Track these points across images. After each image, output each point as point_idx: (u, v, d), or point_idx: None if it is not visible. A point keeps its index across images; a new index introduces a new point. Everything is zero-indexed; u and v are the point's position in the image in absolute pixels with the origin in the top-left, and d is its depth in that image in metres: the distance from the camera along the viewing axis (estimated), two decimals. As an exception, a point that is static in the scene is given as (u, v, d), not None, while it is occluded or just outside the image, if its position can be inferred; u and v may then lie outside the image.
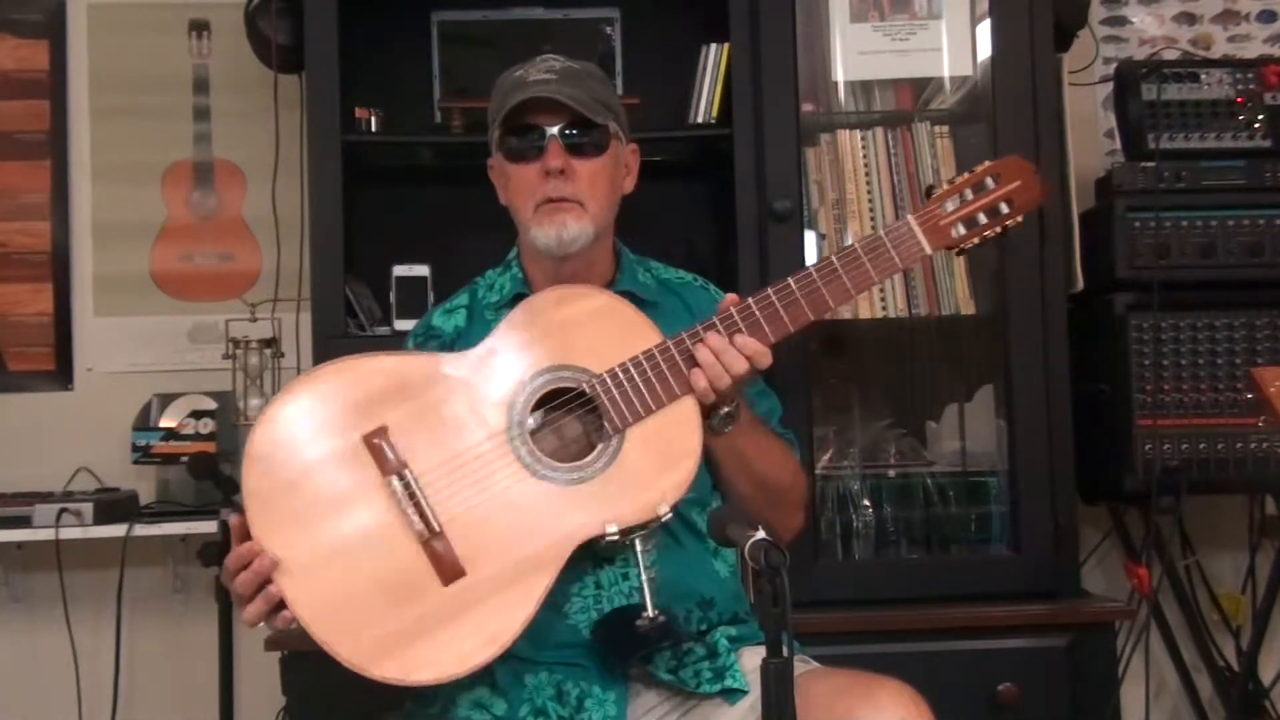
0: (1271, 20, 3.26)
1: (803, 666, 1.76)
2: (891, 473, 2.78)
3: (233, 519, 1.67)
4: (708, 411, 1.77)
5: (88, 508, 2.76)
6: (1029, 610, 2.53)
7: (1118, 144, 2.95)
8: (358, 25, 2.68)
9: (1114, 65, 2.96)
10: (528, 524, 1.66)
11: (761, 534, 1.46)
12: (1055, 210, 2.61)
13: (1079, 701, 2.49)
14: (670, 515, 1.68)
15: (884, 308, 2.67)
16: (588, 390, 1.72)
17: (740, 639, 1.84)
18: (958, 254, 1.89)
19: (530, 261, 1.97)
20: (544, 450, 1.70)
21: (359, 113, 2.72)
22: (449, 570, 1.63)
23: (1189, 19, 3.25)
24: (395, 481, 1.66)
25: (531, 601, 1.63)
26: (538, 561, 1.65)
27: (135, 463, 2.94)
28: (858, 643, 2.39)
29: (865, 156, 2.70)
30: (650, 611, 1.65)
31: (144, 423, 2.96)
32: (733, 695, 1.76)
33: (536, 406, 1.72)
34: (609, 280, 1.97)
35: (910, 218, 1.82)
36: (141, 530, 2.81)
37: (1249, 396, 2.62)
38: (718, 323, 1.75)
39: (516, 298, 1.94)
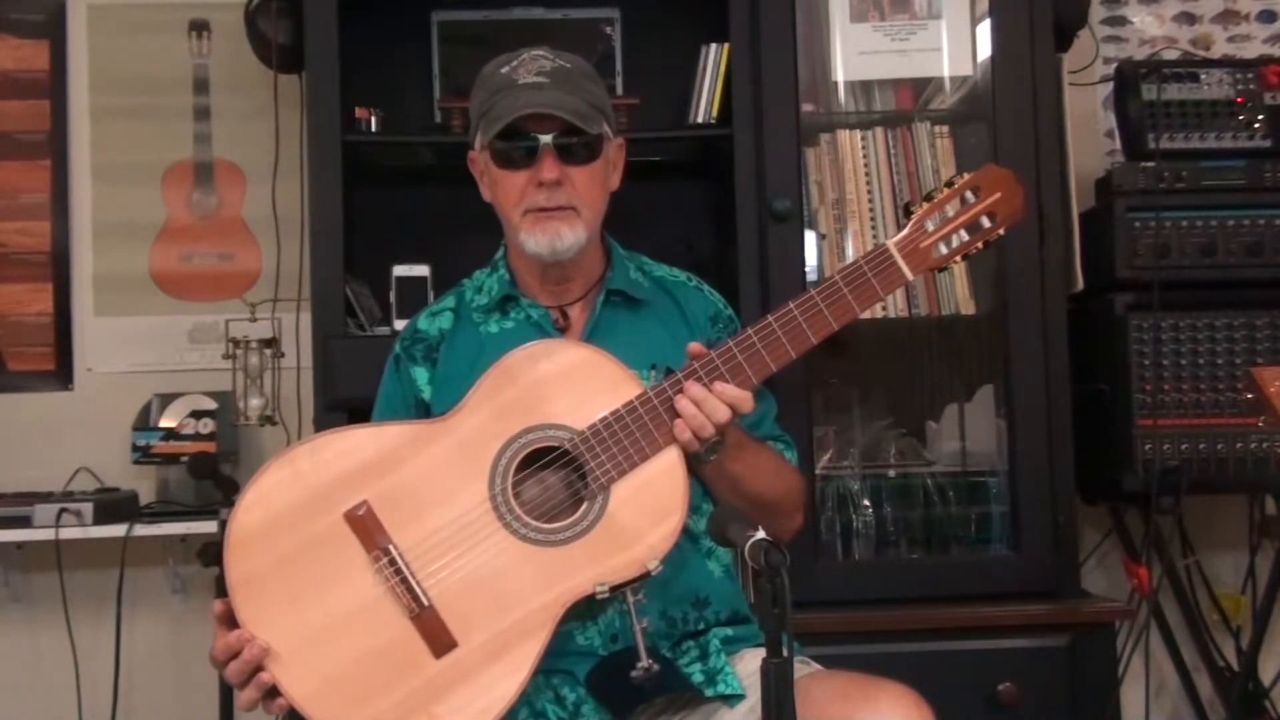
0: (1271, 20, 3.26)
1: (803, 669, 1.75)
2: (891, 473, 2.78)
3: (216, 606, 1.64)
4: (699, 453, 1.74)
5: (88, 508, 2.76)
6: (1029, 610, 2.53)
7: (1118, 144, 2.95)
8: (358, 25, 2.68)
9: (1114, 65, 2.96)
10: (517, 589, 1.64)
11: (761, 534, 1.46)
12: (1055, 210, 2.61)
13: (1079, 701, 2.49)
14: (660, 569, 1.66)
15: (884, 308, 2.67)
16: (570, 449, 1.69)
17: (738, 640, 1.83)
18: (939, 271, 1.84)
19: (517, 260, 1.94)
20: (530, 511, 1.68)
21: (359, 113, 2.72)
22: (440, 643, 1.62)
23: (1189, 19, 3.25)
24: (380, 558, 1.64)
25: (524, 669, 1.62)
26: (528, 627, 1.63)
27: (135, 463, 2.94)
28: (858, 643, 2.39)
29: (865, 156, 2.70)
30: (645, 661, 1.63)
31: (144, 423, 2.96)
32: (732, 699, 1.75)
33: (520, 468, 1.69)
34: (598, 276, 1.95)
35: (889, 243, 1.77)
36: (141, 530, 2.81)
37: (1249, 396, 2.62)
38: (698, 368, 1.71)
39: (504, 300, 1.93)
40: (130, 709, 2.97)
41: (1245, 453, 2.67)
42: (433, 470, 1.68)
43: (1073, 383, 2.61)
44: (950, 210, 1.78)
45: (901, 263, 1.77)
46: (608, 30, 2.93)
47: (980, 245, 1.80)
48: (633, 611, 1.64)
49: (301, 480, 1.66)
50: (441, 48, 2.91)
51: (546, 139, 1.82)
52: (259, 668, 1.60)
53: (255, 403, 2.91)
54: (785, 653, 1.41)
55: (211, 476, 2.84)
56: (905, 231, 1.77)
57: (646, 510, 1.68)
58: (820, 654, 1.85)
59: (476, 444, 1.69)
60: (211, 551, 2.83)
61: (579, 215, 1.84)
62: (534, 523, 1.67)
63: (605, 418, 1.69)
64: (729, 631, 1.83)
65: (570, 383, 1.72)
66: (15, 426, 3.07)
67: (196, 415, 2.94)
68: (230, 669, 1.61)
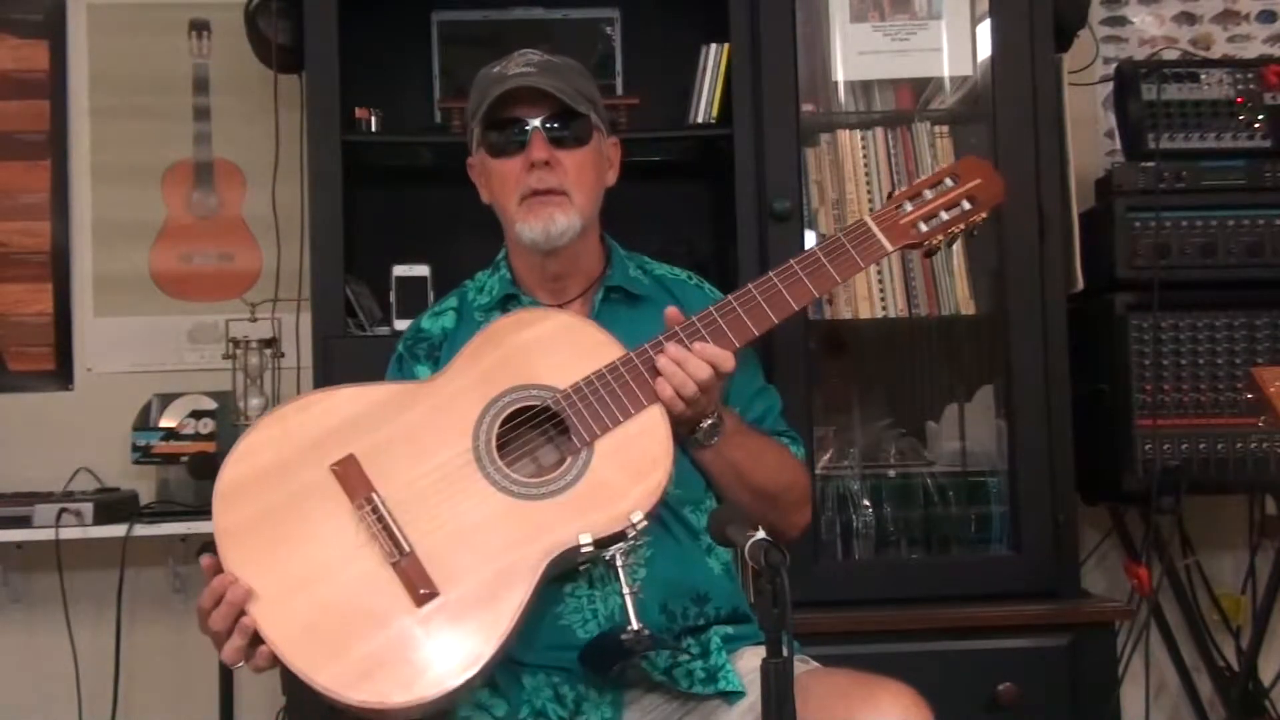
0: (1271, 20, 3.26)
1: (802, 666, 1.75)
2: (891, 473, 2.78)
3: (205, 559, 1.65)
4: (691, 426, 1.77)
5: (88, 508, 2.76)
6: (1029, 610, 2.53)
7: (1118, 144, 2.95)
8: (358, 25, 2.68)
9: (1114, 65, 2.96)
10: (499, 540, 1.64)
11: (761, 534, 1.46)
12: (1055, 210, 2.61)
13: (1079, 701, 2.49)
14: (645, 524, 1.66)
15: (884, 308, 2.67)
16: (553, 406, 1.71)
17: (738, 638, 1.83)
18: (925, 255, 1.90)
19: (517, 258, 1.96)
20: (515, 468, 1.70)
21: (359, 113, 2.72)
22: (420, 593, 1.62)
23: (1189, 19, 3.25)
24: (364, 506, 1.65)
25: (506, 618, 1.61)
26: (511, 577, 1.63)
27: (135, 463, 2.94)
28: (858, 643, 2.39)
29: (865, 156, 2.70)
30: (635, 625, 1.63)
31: (144, 423, 2.95)
32: (732, 696, 1.75)
33: (504, 425, 1.71)
34: (598, 274, 1.96)
35: (866, 217, 1.84)
36: (141, 530, 2.81)
37: (1249, 396, 2.62)
38: (679, 331, 1.74)
39: (506, 299, 1.94)
40: (130, 709, 2.97)
41: (1245, 453, 2.67)
42: (418, 426, 1.70)
43: (1073, 383, 2.60)
44: (928, 194, 1.85)
45: (880, 234, 1.83)
46: (608, 30, 2.93)
47: (962, 226, 1.85)
48: (622, 576, 1.64)
49: (289, 436, 1.69)
50: (441, 48, 2.91)
51: (535, 122, 1.86)
52: (242, 612, 1.60)
53: (255, 403, 2.91)
54: (785, 652, 1.41)
55: (211, 476, 2.79)
56: (883, 207, 1.85)
57: (630, 466, 1.69)
58: (820, 654, 1.86)
59: (461, 403, 1.71)
60: (211, 552, 2.83)
61: (570, 201, 1.86)
62: (517, 476, 1.68)
63: (588, 376, 1.71)
64: (729, 630, 1.83)
65: (553, 346, 1.75)
66: (15, 426, 3.07)
67: (196, 415, 2.94)
68: (214, 616, 1.61)
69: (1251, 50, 3.22)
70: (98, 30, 3.14)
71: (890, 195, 1.88)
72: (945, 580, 2.62)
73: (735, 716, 1.74)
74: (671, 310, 1.78)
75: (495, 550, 1.64)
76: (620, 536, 1.65)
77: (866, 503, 2.71)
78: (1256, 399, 2.19)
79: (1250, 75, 2.80)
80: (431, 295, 2.64)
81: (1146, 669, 2.86)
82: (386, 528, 1.64)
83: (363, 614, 1.61)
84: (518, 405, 1.72)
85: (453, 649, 1.60)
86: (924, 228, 1.84)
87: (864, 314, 2.67)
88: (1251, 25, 3.26)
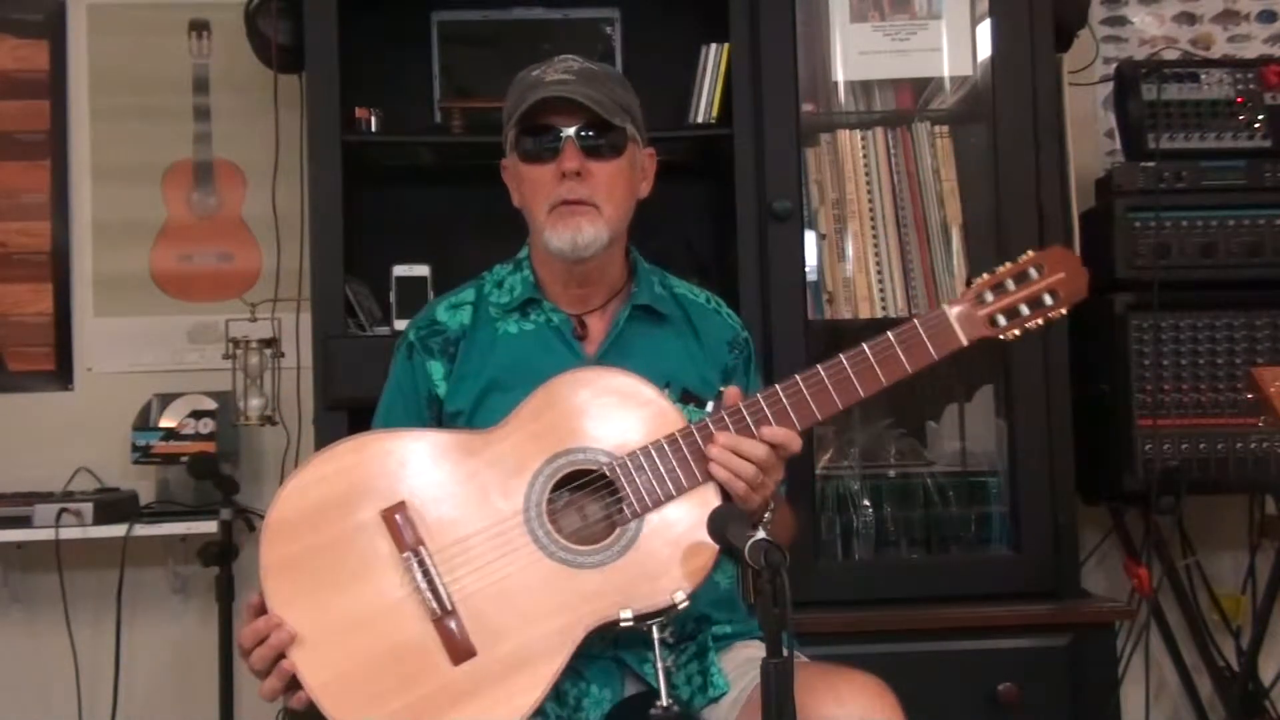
0: (1271, 20, 3.26)
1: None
2: (891, 473, 2.79)
3: (253, 598, 1.65)
4: (756, 514, 1.73)
5: (88, 508, 2.76)
6: (1029, 610, 2.53)
7: (1118, 144, 2.95)
8: (358, 25, 2.68)
9: (1114, 65, 2.97)
10: (541, 606, 1.63)
11: (761, 534, 1.46)
12: (1055, 210, 2.61)
13: (1079, 701, 2.49)
14: (686, 604, 1.64)
15: (884, 308, 2.67)
16: (608, 473, 1.69)
17: (733, 636, 1.83)
18: (995, 342, 1.81)
19: (542, 264, 1.92)
20: (564, 532, 1.68)
21: (359, 113, 2.72)
22: (459, 650, 1.61)
23: (1189, 19, 3.25)
24: (410, 557, 1.64)
25: (539, 688, 1.61)
26: (549, 646, 1.62)
27: (135, 463, 2.94)
28: (858, 643, 2.39)
29: (865, 156, 2.70)
30: (664, 701, 1.60)
31: (144, 423, 2.95)
32: (718, 697, 1.76)
33: (557, 487, 1.70)
34: (621, 286, 1.94)
35: (946, 308, 1.77)
36: (141, 530, 2.81)
37: (1249, 396, 2.62)
38: (746, 414, 1.70)
39: (527, 303, 1.91)
40: (130, 709, 2.97)
41: (1245, 453, 2.67)
42: (472, 480, 1.69)
43: (1073, 383, 2.61)
44: (1011, 284, 1.78)
45: (957, 328, 1.76)
46: (608, 30, 2.93)
47: (1040, 322, 1.79)
48: (657, 650, 1.62)
49: (342, 475, 1.68)
50: (441, 48, 2.91)
51: (569, 131, 1.82)
52: (282, 655, 1.60)
53: (255, 403, 2.91)
54: (785, 652, 1.41)
55: (211, 476, 2.84)
56: (963, 300, 1.78)
57: (679, 543, 1.66)
58: (820, 654, 1.85)
59: (516, 460, 1.70)
60: (211, 551, 2.83)
61: (600, 212, 1.83)
62: (565, 542, 1.67)
63: (645, 446, 1.69)
64: (728, 629, 1.84)
65: (612, 409, 1.72)
66: (15, 426, 3.07)
67: (196, 415, 2.94)
68: (254, 656, 1.61)
69: (1251, 50, 3.22)
70: (98, 30, 3.14)
71: (970, 282, 1.80)
72: (945, 580, 2.62)
73: (722, 713, 1.75)
74: (731, 391, 1.73)
75: (537, 616, 1.63)
76: (661, 613, 1.63)
77: (866, 503, 2.72)
78: (1256, 399, 2.18)
79: (1250, 75, 2.80)
80: (431, 295, 2.63)
81: (1146, 669, 2.86)
82: (431, 583, 1.63)
83: (400, 668, 1.61)
84: (573, 468, 1.70)
85: (485, 711, 1.60)
86: (1002, 321, 1.77)
87: (864, 314, 2.67)
88: (1251, 25, 3.26)
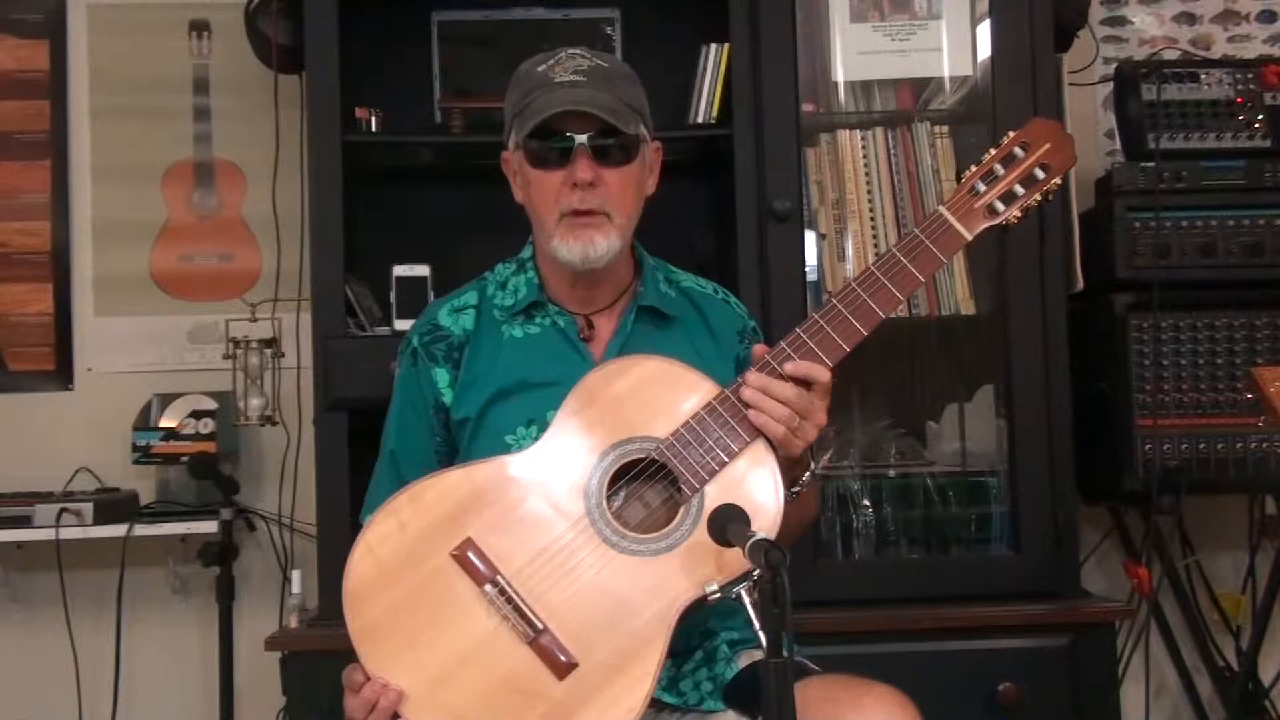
0: (1271, 20, 3.26)
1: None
2: (891, 473, 2.79)
3: (354, 676, 1.64)
4: (798, 464, 1.73)
5: (88, 508, 2.77)
6: (1029, 610, 2.53)
7: (1118, 144, 2.95)
8: (358, 25, 2.68)
9: (1114, 65, 2.96)
10: (628, 601, 1.64)
11: (761, 533, 1.46)
12: (1055, 210, 2.61)
13: (1079, 701, 2.50)
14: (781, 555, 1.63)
15: (884, 308, 2.67)
16: (658, 457, 1.69)
17: (744, 642, 1.83)
18: (1003, 232, 1.80)
19: (547, 266, 1.89)
20: (631, 524, 1.69)
21: (359, 113, 2.72)
22: (561, 665, 1.62)
23: (1189, 19, 3.25)
24: (490, 589, 1.64)
25: (649, 676, 1.62)
26: (645, 636, 1.63)
27: (135, 463, 2.94)
28: (858, 643, 2.40)
29: (865, 156, 2.70)
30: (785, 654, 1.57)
31: (144, 423, 2.96)
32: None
33: (612, 483, 1.70)
34: (628, 283, 1.91)
35: (941, 208, 1.75)
36: (141, 530, 2.82)
37: (1249, 396, 2.62)
38: (770, 360, 1.70)
39: (532, 305, 1.88)
40: (130, 709, 2.97)
41: (1245, 453, 2.67)
42: (528, 498, 1.69)
43: (1073, 383, 2.61)
44: (1000, 169, 1.77)
45: (956, 224, 1.74)
46: (608, 30, 2.92)
47: (1039, 197, 1.77)
48: (752, 614, 1.54)
49: (406, 528, 1.68)
50: (441, 48, 2.91)
51: (582, 139, 1.78)
52: (396, 716, 1.61)
53: (255, 403, 2.91)
54: (785, 653, 1.41)
55: (212, 476, 2.84)
56: (956, 194, 1.77)
57: (745, 503, 1.65)
58: (820, 654, 1.85)
59: (567, 466, 1.70)
60: (212, 552, 2.83)
61: (612, 222, 1.80)
62: (633, 534, 1.67)
63: (687, 422, 1.69)
64: (735, 635, 1.83)
65: (649, 394, 1.72)
66: (15, 426, 3.07)
67: (196, 415, 2.94)
68: None
69: (1251, 50, 3.22)
70: (98, 30, 3.14)
71: (959, 177, 1.79)
72: (945, 580, 2.62)
73: (732, 716, 1.74)
74: (759, 346, 1.74)
75: (626, 612, 1.64)
76: (746, 576, 1.59)
77: (866, 503, 2.72)
78: (1256, 399, 2.19)
79: (1250, 75, 2.80)
80: (431, 295, 2.63)
81: (1146, 669, 2.86)
82: (517, 608, 1.64)
83: (510, 696, 1.62)
84: (624, 461, 1.70)
85: (602, 715, 1.61)
86: (1001, 207, 1.75)
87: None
88: (1251, 25, 3.26)
